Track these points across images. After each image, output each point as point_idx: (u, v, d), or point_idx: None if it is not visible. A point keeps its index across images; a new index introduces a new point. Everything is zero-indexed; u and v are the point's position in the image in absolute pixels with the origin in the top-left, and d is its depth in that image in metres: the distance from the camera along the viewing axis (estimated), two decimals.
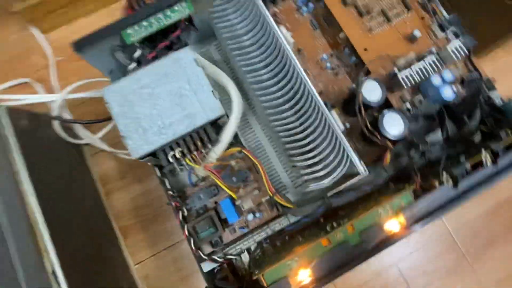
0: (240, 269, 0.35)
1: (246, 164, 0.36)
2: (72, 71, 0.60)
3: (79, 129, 0.57)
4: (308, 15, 0.41)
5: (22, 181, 0.40)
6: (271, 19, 0.33)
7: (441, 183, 0.28)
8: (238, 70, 0.34)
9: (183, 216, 0.34)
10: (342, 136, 0.30)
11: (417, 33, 0.35)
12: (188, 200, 0.35)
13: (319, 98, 0.31)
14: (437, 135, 0.32)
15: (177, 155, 0.30)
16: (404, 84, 0.33)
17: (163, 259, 0.57)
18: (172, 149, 0.30)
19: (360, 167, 0.30)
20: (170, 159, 0.30)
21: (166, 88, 0.30)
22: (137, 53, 0.33)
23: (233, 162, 0.35)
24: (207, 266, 0.33)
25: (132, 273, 0.55)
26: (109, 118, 0.32)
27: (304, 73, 0.31)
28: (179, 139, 0.30)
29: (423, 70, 0.33)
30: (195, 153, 0.30)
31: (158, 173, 0.34)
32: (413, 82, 0.33)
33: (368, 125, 0.34)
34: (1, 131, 0.42)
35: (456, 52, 0.32)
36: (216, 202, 0.35)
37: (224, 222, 0.34)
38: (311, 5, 0.40)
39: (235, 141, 0.37)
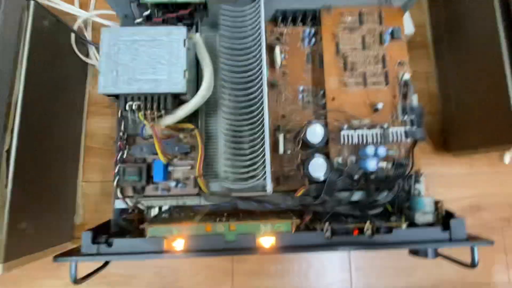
0: (146, 220, 0.41)
1: (193, 142, 0.41)
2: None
3: (92, 49, 0.63)
4: (308, 48, 0.45)
5: (19, 69, 0.47)
6: (264, 38, 0.37)
7: (321, 229, 0.33)
8: (219, 65, 0.39)
9: (121, 156, 0.39)
10: (269, 157, 0.35)
11: (380, 106, 0.39)
12: (133, 147, 0.40)
13: (267, 122, 0.35)
14: (345, 194, 0.37)
15: (133, 107, 0.35)
16: (342, 140, 0.37)
17: (107, 189, 0.63)
18: (132, 100, 0.35)
19: (268, 186, 0.34)
20: (127, 107, 0.35)
21: (150, 51, 0.35)
22: (146, 13, 0.38)
23: (181, 135, 0.40)
24: (119, 204, 0.38)
25: (77, 187, 0.62)
26: None
27: (266, 97, 0.36)
28: (140, 95, 0.35)
29: (365, 137, 0.37)
30: (148, 111, 0.35)
31: (119, 114, 0.40)
32: (350, 143, 0.37)
33: (299, 158, 0.38)
34: (22, 22, 0.48)
35: (394, 135, 0.36)
36: (154, 160, 0.40)
37: (151, 178, 0.40)
38: (313, 40, 0.44)
39: (195, 119, 0.42)
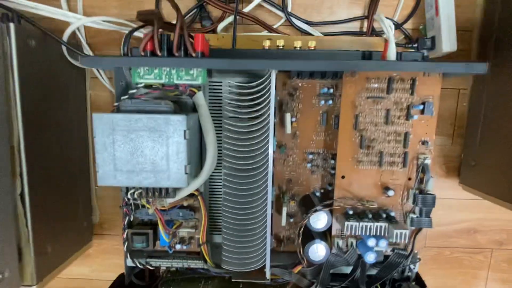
0: (157, 272, 0.45)
1: (197, 203, 0.41)
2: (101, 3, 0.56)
3: (87, 51, 0.57)
4: (323, 107, 0.40)
5: (13, 106, 0.44)
6: (273, 112, 0.33)
7: None
8: (222, 143, 0.36)
9: (128, 221, 0.41)
10: (269, 250, 0.36)
11: (391, 193, 0.37)
12: (139, 210, 0.41)
13: (269, 213, 0.35)
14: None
15: (136, 196, 0.34)
16: (345, 230, 0.37)
17: (119, 192, 0.66)
18: (134, 188, 0.34)
19: (268, 274, 0.36)
20: (129, 196, 0.34)
21: (148, 143, 0.32)
22: (132, 91, 0.33)
23: (184, 203, 0.41)
24: (130, 263, 0.42)
25: (91, 191, 0.65)
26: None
27: (271, 188, 0.34)
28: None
29: (369, 228, 0.37)
30: (151, 199, 0.35)
31: None
32: (353, 233, 0.37)
33: (300, 239, 0.39)
34: (5, 50, 0.42)
35: (398, 236, 0.35)
36: None
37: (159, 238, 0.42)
38: (330, 102, 0.39)
39: None
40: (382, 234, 0.36)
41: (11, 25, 0.42)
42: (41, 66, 0.49)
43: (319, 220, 0.37)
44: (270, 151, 0.34)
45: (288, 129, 0.39)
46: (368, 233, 0.37)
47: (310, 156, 0.41)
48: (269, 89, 0.33)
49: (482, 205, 0.64)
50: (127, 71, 0.34)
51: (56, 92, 0.53)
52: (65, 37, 0.52)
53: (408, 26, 0.58)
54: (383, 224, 0.36)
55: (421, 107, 0.36)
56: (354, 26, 0.59)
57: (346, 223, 0.37)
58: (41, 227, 0.48)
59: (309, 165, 0.41)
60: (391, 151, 0.37)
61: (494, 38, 0.52)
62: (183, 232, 0.42)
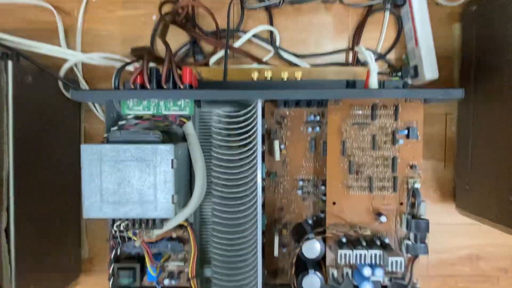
0: None
1: (186, 235, 0.40)
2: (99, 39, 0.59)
3: (84, 86, 0.59)
4: (311, 134, 0.40)
5: (6, 140, 0.44)
6: (260, 140, 0.34)
7: None
8: (212, 172, 0.36)
9: (115, 254, 0.39)
10: (260, 282, 0.34)
11: (383, 219, 0.37)
12: (126, 243, 0.40)
13: (260, 243, 0.34)
14: None
15: (122, 227, 0.34)
16: (339, 259, 0.35)
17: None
18: (120, 219, 0.34)
19: None
20: (115, 228, 0.34)
21: (135, 173, 0.32)
22: (122, 122, 0.34)
23: (173, 234, 0.39)
24: None
25: (81, 226, 0.63)
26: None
27: (260, 217, 0.34)
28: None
29: (363, 256, 0.35)
30: (137, 230, 0.34)
31: None
32: (347, 262, 0.36)
33: (293, 269, 0.37)
34: (2, 84, 0.44)
35: (394, 264, 0.34)
36: None
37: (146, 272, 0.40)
38: (318, 129, 0.40)
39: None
40: (377, 262, 0.35)
41: (9, 63, 0.44)
42: (36, 101, 0.50)
43: (313, 248, 0.36)
44: (259, 179, 0.34)
45: (277, 156, 0.39)
46: (362, 262, 0.35)
47: (301, 183, 0.41)
48: (255, 118, 0.33)
49: (482, 229, 0.63)
50: (117, 103, 0.35)
51: (50, 126, 0.54)
52: (62, 72, 0.54)
53: (391, 56, 0.61)
54: (378, 252, 0.35)
55: (406, 131, 0.36)
56: (340, 57, 0.61)
57: (340, 251, 0.35)
58: (25, 266, 0.46)
59: (299, 191, 0.41)
60: (380, 175, 0.37)
61: (474, 65, 0.55)
62: (172, 265, 0.41)
